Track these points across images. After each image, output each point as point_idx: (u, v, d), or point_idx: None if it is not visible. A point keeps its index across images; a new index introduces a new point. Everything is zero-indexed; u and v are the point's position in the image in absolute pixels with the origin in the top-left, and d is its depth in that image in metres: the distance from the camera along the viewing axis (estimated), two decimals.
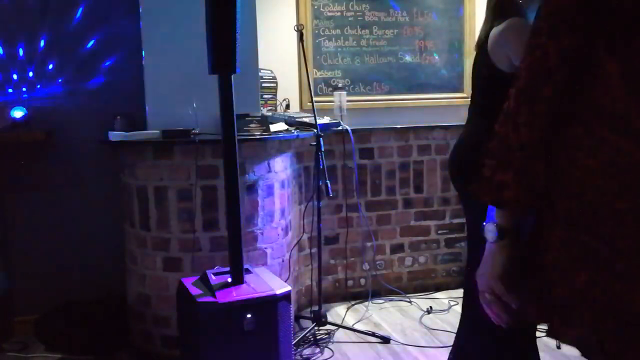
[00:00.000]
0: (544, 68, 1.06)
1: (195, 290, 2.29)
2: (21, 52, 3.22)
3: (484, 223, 1.16)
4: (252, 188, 2.93)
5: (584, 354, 1.11)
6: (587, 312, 1.01)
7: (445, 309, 3.52)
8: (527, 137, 1.07)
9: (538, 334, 3.08)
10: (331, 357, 2.92)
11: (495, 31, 2.15)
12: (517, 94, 1.09)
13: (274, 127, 3.01)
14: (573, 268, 1.03)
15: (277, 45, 3.61)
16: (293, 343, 2.56)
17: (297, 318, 3.37)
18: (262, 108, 3.20)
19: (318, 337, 3.08)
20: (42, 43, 3.24)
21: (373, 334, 3.13)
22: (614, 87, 0.99)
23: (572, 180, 1.04)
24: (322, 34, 3.78)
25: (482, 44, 2.20)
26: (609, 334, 1.00)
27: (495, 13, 2.20)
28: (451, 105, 3.93)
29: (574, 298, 1.03)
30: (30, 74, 3.25)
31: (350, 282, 3.79)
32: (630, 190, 0.97)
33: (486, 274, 1.16)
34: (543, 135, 1.07)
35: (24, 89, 3.24)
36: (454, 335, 3.12)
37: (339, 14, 3.80)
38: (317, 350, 2.98)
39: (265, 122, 2.93)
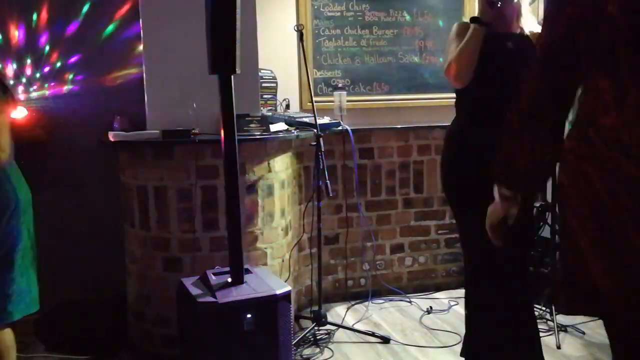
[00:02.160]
0: (540, 103, 1.30)
1: (195, 290, 2.29)
2: (21, 51, 3.22)
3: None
4: (252, 188, 2.93)
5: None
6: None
7: (445, 309, 3.52)
8: (528, 161, 1.35)
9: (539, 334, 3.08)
10: (331, 357, 2.92)
11: None
12: (520, 120, 1.35)
13: (274, 127, 3.00)
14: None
15: (277, 45, 3.61)
16: (293, 343, 2.56)
17: (297, 318, 3.37)
18: (262, 108, 3.20)
19: (318, 337, 3.08)
20: (42, 43, 3.24)
21: (373, 334, 3.13)
22: (606, 102, 1.17)
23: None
24: (322, 34, 3.78)
25: None
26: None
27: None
28: (451, 105, 3.90)
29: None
30: (30, 73, 3.25)
31: (350, 282, 3.79)
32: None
33: (488, 218, 1.53)
34: (543, 158, 1.33)
35: (24, 89, 3.24)
36: (454, 335, 3.13)
37: (339, 14, 3.80)
38: (317, 350, 2.98)
39: (265, 122, 2.93)
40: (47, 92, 3.28)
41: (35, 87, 3.26)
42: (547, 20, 1.31)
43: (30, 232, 2.31)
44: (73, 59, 3.31)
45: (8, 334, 2.25)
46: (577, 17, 1.20)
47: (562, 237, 1.34)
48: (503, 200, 1.47)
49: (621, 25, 1.12)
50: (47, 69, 3.27)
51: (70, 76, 3.31)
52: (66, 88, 3.30)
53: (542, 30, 1.34)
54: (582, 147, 1.21)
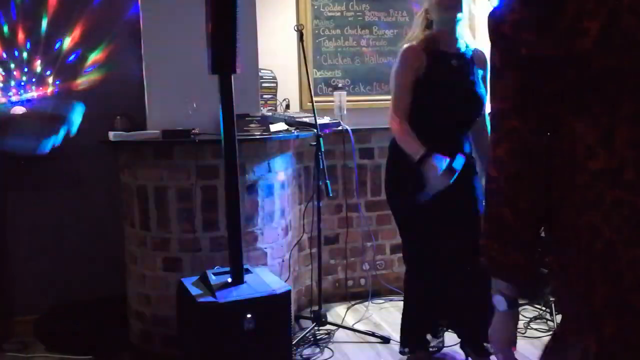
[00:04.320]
0: (524, 151, 1.10)
1: (195, 290, 2.30)
2: (21, 51, 3.22)
3: (494, 295, 1.21)
4: (252, 188, 2.93)
5: None
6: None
7: None
8: (528, 220, 1.12)
9: (538, 334, 3.09)
10: (331, 357, 2.92)
11: None
12: (509, 180, 1.12)
13: (274, 127, 3.00)
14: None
15: (277, 45, 3.60)
16: (293, 343, 2.56)
17: (297, 318, 3.37)
18: (262, 108, 3.20)
19: (318, 337, 3.08)
20: (42, 43, 3.24)
21: (373, 334, 3.13)
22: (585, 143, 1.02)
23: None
24: (322, 34, 3.78)
25: None
26: None
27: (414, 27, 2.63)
28: None
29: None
30: (30, 73, 3.25)
31: (350, 282, 3.79)
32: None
33: (500, 340, 1.22)
34: (539, 214, 1.12)
35: (24, 89, 3.24)
36: (454, 334, 3.12)
37: (339, 14, 3.80)
38: (317, 350, 2.98)
39: (265, 122, 2.93)
40: (47, 92, 3.28)
41: (35, 87, 3.26)
42: (503, 69, 1.11)
43: None
44: (73, 59, 3.31)
45: None
46: (538, 57, 1.06)
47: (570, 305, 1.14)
48: (506, 307, 1.19)
49: (597, 61, 1.00)
50: (47, 69, 3.27)
51: (70, 76, 3.31)
52: (66, 88, 3.30)
53: (497, 83, 1.13)
54: (577, 195, 1.05)
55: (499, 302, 1.19)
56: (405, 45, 2.49)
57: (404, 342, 2.75)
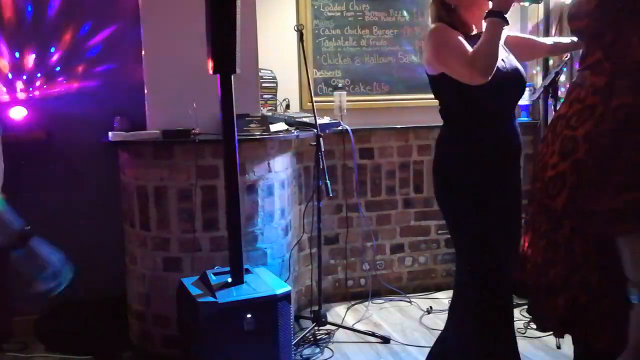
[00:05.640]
0: None
1: (195, 290, 2.30)
2: (21, 52, 3.22)
3: None
4: (252, 188, 2.93)
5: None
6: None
7: (445, 309, 3.51)
8: None
9: (538, 334, 3.09)
10: (331, 357, 2.92)
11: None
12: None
13: (274, 127, 3.01)
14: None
15: (277, 45, 3.60)
16: (293, 343, 2.56)
17: (297, 318, 3.37)
18: (262, 108, 3.20)
19: (318, 337, 3.08)
20: (42, 43, 3.24)
21: (373, 334, 3.13)
22: None
23: None
24: (322, 34, 3.78)
25: None
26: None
27: (431, 17, 2.21)
28: None
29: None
30: (30, 74, 3.25)
31: (350, 282, 3.79)
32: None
33: None
34: None
35: (24, 89, 3.24)
36: None
37: (339, 14, 3.80)
38: (317, 350, 2.98)
39: (265, 122, 2.93)
40: (47, 93, 3.28)
41: (35, 87, 3.26)
42: None
43: None
44: (73, 59, 3.31)
45: None
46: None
47: None
48: None
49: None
50: (46, 70, 3.27)
51: (70, 76, 3.31)
52: (66, 88, 3.30)
53: None
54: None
55: None
56: (436, 24, 2.16)
57: None
